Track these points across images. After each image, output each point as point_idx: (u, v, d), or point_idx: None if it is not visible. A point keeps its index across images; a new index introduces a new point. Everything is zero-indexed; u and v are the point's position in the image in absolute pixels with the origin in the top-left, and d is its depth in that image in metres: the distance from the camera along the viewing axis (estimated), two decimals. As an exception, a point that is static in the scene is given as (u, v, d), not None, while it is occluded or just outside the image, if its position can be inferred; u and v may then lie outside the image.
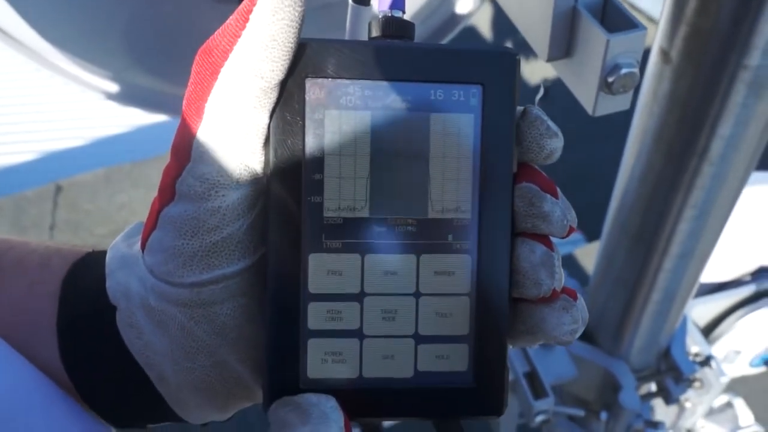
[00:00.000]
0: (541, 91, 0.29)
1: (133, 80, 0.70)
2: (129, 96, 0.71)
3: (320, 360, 0.23)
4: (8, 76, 1.74)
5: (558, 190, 0.24)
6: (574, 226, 0.24)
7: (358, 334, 0.23)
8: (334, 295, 0.23)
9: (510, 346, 0.24)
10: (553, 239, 0.24)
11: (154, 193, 0.23)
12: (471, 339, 0.24)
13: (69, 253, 0.26)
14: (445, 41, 0.76)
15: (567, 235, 0.24)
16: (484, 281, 0.23)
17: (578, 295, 0.24)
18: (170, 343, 0.23)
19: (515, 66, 0.23)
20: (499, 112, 0.23)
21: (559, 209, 0.23)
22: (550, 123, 0.24)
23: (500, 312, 0.24)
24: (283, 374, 0.23)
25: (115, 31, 0.65)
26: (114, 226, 1.55)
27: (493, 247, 0.23)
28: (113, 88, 0.71)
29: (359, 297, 0.23)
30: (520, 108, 0.24)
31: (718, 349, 0.93)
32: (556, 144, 0.24)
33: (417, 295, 0.23)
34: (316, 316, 0.23)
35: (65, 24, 0.64)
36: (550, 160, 0.24)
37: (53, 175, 1.64)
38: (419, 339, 0.24)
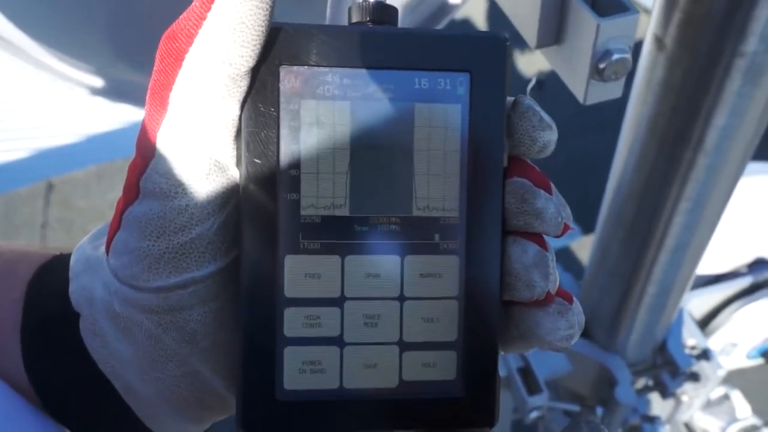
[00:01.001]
0: (533, 81, 0.28)
1: (116, 75, 0.69)
2: (114, 91, 0.70)
3: (298, 370, 0.22)
4: (-3, 72, 1.73)
5: (552, 185, 0.22)
6: (569, 223, 0.23)
7: (339, 341, 0.22)
8: (312, 299, 0.22)
9: (501, 353, 0.23)
10: (547, 237, 0.23)
11: None
12: (459, 346, 0.22)
13: (36, 257, 0.25)
14: (435, 32, 0.74)
15: (562, 234, 0.23)
16: (473, 284, 0.22)
17: (574, 299, 0.23)
18: (137, 352, 0.22)
19: (505, 51, 0.22)
20: (488, 101, 0.22)
21: (553, 206, 0.22)
22: (543, 114, 0.22)
23: (491, 316, 0.22)
24: (257, 385, 0.21)
25: (97, 25, 0.63)
26: (107, 223, 1.54)
27: (483, 247, 0.22)
28: (98, 83, 0.69)
29: (339, 301, 0.22)
30: (510, 98, 0.23)
31: (714, 342, 0.92)
32: (549, 137, 0.22)
33: (401, 299, 0.22)
34: (293, 322, 0.22)
35: (45, 18, 0.62)
36: (543, 153, 0.23)
37: (45, 172, 1.62)
38: (404, 346, 0.22)
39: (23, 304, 0.23)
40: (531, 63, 1.64)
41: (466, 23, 1.79)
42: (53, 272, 0.24)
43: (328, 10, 0.30)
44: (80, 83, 0.71)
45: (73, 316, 0.23)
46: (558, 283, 0.23)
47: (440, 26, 0.73)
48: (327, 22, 0.30)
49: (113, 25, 0.64)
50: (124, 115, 1.69)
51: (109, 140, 1.70)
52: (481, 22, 1.82)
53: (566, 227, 0.23)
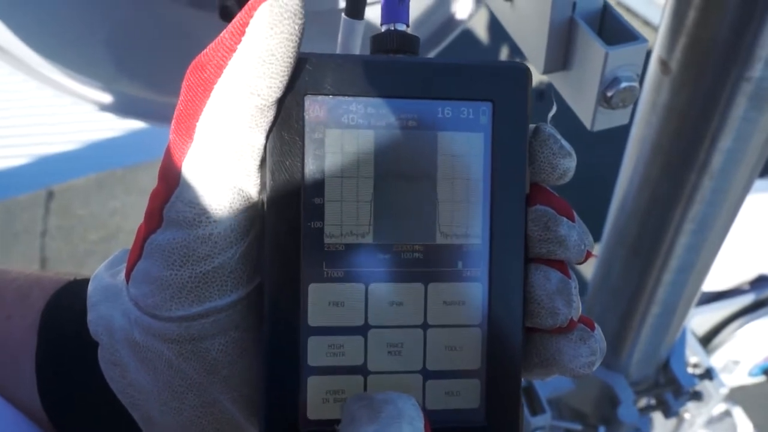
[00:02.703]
0: (554, 109, 0.28)
1: (119, 89, 0.69)
2: (116, 106, 0.70)
3: (321, 399, 0.22)
4: (-1, 80, 1.73)
5: (574, 212, 0.23)
6: (591, 250, 0.23)
7: (362, 370, 0.22)
8: (335, 328, 0.22)
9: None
10: None
11: (147, 199, 0.22)
12: (483, 374, 0.22)
13: (49, 283, 0.25)
14: (441, 46, 0.74)
15: (584, 261, 0.23)
16: (496, 311, 0.22)
17: (595, 325, 0.23)
18: (157, 382, 0.22)
19: (527, 80, 0.22)
20: (510, 130, 0.22)
21: (576, 233, 0.22)
22: (564, 142, 0.23)
23: (514, 344, 0.22)
24: (280, 415, 0.21)
25: (99, 40, 0.64)
26: (106, 231, 1.54)
27: (506, 275, 0.22)
28: (101, 97, 0.69)
29: (363, 330, 0.22)
30: (531, 126, 0.23)
31: (717, 359, 0.92)
32: (569, 164, 0.22)
33: (425, 326, 0.22)
34: (316, 351, 0.21)
35: (48, 32, 0.62)
36: (562, 180, 0.23)
37: (45, 180, 1.62)
38: (427, 375, 0.22)
39: (38, 331, 0.23)
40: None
41: (471, 38, 1.80)
42: (68, 299, 0.24)
43: (341, 35, 0.30)
44: (83, 97, 0.71)
45: (91, 346, 0.22)
46: (580, 310, 0.23)
47: (447, 41, 0.73)
48: (338, 48, 0.30)
49: (115, 39, 0.65)
50: (125, 124, 1.69)
51: (110, 149, 1.70)
52: (485, 37, 1.83)
53: (589, 254, 0.23)
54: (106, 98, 0.70)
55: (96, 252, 1.52)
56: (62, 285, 0.25)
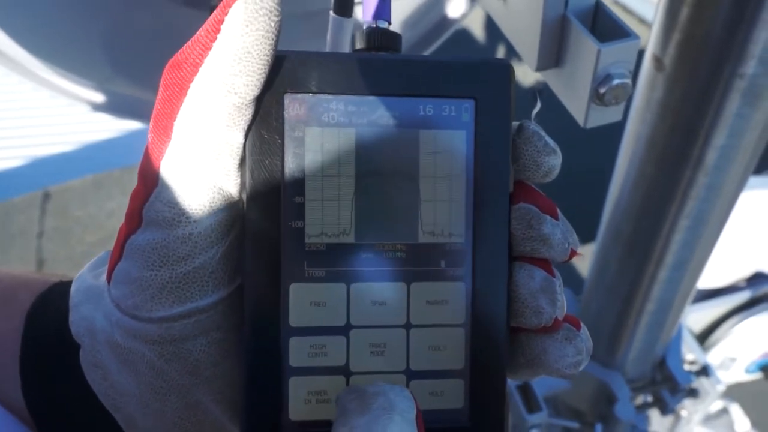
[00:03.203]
0: (538, 106, 0.28)
1: (114, 89, 0.69)
2: (111, 106, 0.70)
3: (303, 400, 0.21)
4: (-6, 81, 1.72)
5: (558, 210, 0.22)
6: (576, 249, 0.23)
7: (344, 371, 0.22)
8: (317, 328, 0.21)
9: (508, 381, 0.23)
10: None
11: None
12: (467, 374, 0.22)
13: (36, 284, 0.25)
14: (435, 45, 0.74)
15: (568, 260, 0.22)
16: (480, 311, 0.22)
17: (581, 324, 0.23)
18: (138, 384, 0.22)
19: (509, 77, 0.22)
20: (493, 127, 0.22)
21: (559, 231, 0.22)
22: (548, 139, 0.22)
23: (498, 344, 0.22)
24: (262, 416, 0.21)
25: (94, 40, 0.63)
26: (104, 233, 1.53)
27: (489, 274, 0.22)
28: (96, 97, 0.69)
29: (345, 330, 0.22)
30: (515, 123, 0.23)
31: (713, 356, 0.92)
32: (554, 162, 0.22)
33: (408, 326, 0.22)
34: (298, 351, 0.21)
35: (43, 33, 0.62)
36: (547, 178, 0.23)
37: (42, 181, 1.61)
38: (411, 375, 0.22)
39: (23, 333, 0.23)
40: (529, 78, 1.65)
41: (464, 37, 1.80)
42: (53, 300, 0.24)
43: (329, 32, 0.30)
44: (78, 98, 0.71)
45: (73, 347, 0.22)
46: (565, 309, 0.22)
47: (440, 41, 0.73)
48: (327, 47, 0.29)
49: (110, 40, 0.64)
50: (122, 124, 1.69)
51: (107, 150, 1.70)
52: (479, 36, 1.83)
53: (573, 253, 0.22)
54: (102, 98, 0.70)
55: (93, 254, 1.52)
56: (48, 286, 0.24)
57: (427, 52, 0.75)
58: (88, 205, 1.58)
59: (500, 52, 1.76)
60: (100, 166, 1.64)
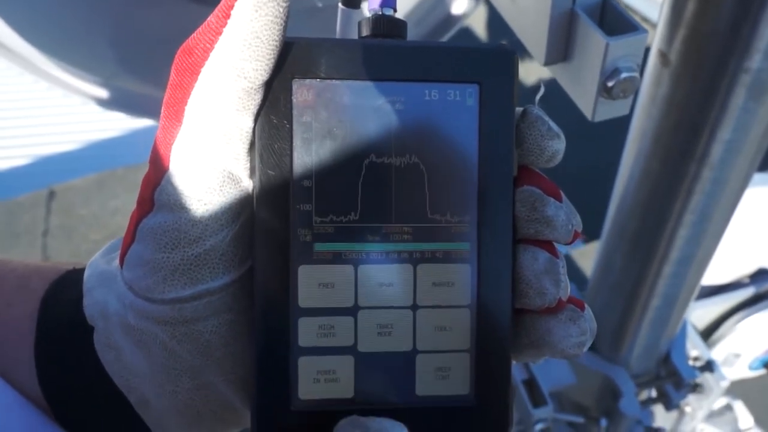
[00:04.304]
0: (542, 90, 0.28)
1: (120, 85, 0.69)
2: (117, 101, 0.70)
3: (312, 379, 0.22)
4: None
5: (562, 193, 0.23)
6: (579, 231, 0.23)
7: (352, 350, 0.22)
8: (325, 309, 0.22)
9: (513, 361, 0.23)
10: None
11: None
12: (472, 354, 0.22)
13: (49, 272, 0.25)
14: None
15: (572, 241, 0.23)
16: (485, 292, 0.22)
17: (585, 305, 0.23)
18: (151, 365, 0.22)
19: (513, 63, 0.22)
20: (497, 112, 0.22)
21: (563, 213, 0.22)
22: (552, 124, 0.23)
23: (503, 324, 0.22)
24: (272, 396, 0.22)
25: (100, 36, 0.64)
26: (108, 231, 1.54)
27: (494, 255, 0.22)
28: (101, 93, 0.70)
29: (353, 311, 0.22)
30: (519, 108, 0.23)
31: (717, 353, 0.92)
32: (558, 146, 0.23)
33: (414, 307, 0.22)
34: (306, 332, 0.22)
35: (49, 28, 0.63)
36: (551, 162, 0.23)
37: (46, 180, 1.62)
38: (417, 354, 0.22)
39: (37, 318, 0.24)
40: (533, 69, 1.65)
41: (470, 34, 1.80)
42: (67, 287, 0.24)
43: (338, 24, 0.30)
44: (84, 93, 0.72)
45: (87, 330, 0.23)
46: (569, 290, 0.23)
47: (445, 38, 0.74)
48: (337, 36, 0.30)
49: (117, 36, 0.65)
50: (126, 123, 1.69)
51: (111, 148, 1.71)
52: (484, 33, 1.83)
53: (576, 234, 0.23)
54: (108, 94, 0.70)
55: (97, 251, 1.52)
56: (61, 274, 0.25)
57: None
58: (92, 203, 1.59)
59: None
60: (104, 164, 1.65)
